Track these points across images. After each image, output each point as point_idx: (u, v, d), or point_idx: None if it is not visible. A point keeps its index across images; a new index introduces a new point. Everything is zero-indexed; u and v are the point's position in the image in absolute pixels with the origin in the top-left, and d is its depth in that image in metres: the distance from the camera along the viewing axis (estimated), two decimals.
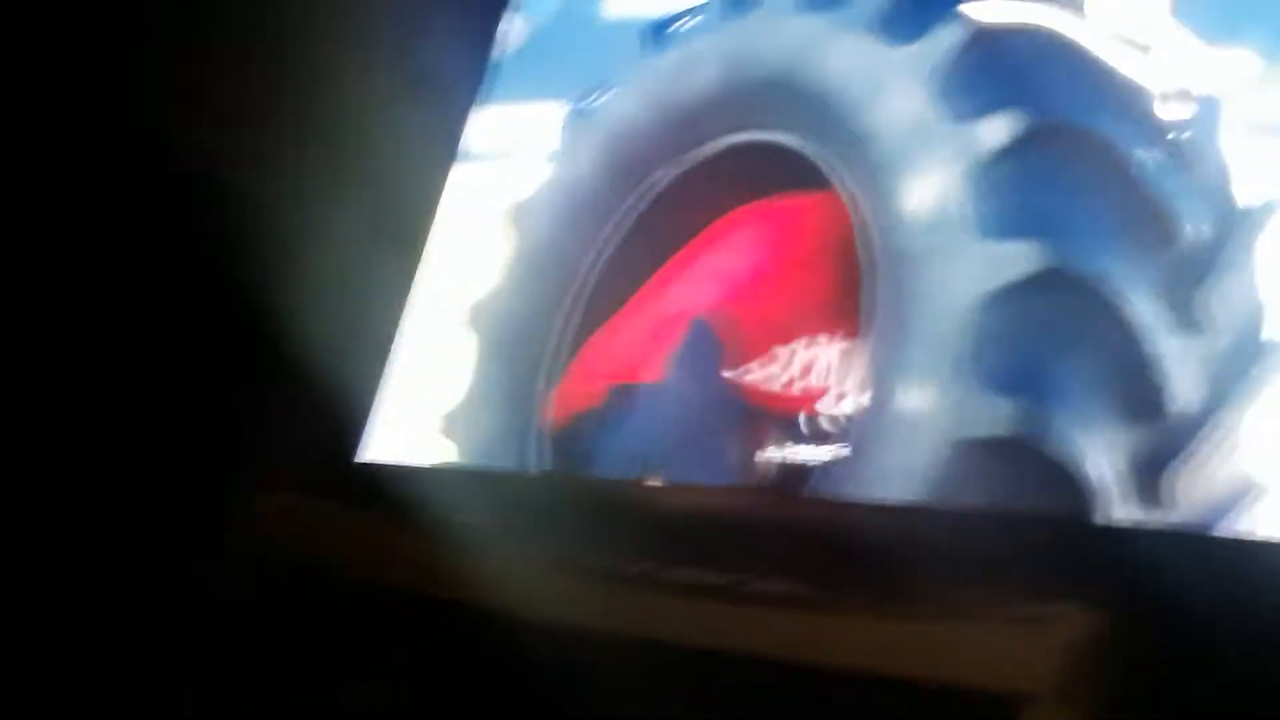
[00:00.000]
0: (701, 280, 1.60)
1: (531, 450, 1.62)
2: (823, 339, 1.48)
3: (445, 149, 1.82)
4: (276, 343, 1.70)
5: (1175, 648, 1.15)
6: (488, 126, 1.82)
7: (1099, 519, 1.26)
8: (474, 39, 1.84)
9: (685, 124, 1.63)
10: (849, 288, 1.46)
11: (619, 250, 1.65)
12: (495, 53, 1.84)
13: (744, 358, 1.52)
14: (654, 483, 1.53)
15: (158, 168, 1.77)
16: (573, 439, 1.61)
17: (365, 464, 1.74)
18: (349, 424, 1.76)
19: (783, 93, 1.56)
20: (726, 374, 1.52)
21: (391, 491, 1.61)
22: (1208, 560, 1.21)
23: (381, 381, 1.77)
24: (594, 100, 1.72)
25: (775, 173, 1.56)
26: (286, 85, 1.82)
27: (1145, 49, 1.40)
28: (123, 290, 1.75)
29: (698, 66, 1.64)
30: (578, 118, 1.73)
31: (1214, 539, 1.22)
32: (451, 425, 1.70)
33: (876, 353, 1.42)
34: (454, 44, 1.83)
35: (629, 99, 1.69)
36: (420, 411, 1.72)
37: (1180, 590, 1.17)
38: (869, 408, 1.41)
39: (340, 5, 1.81)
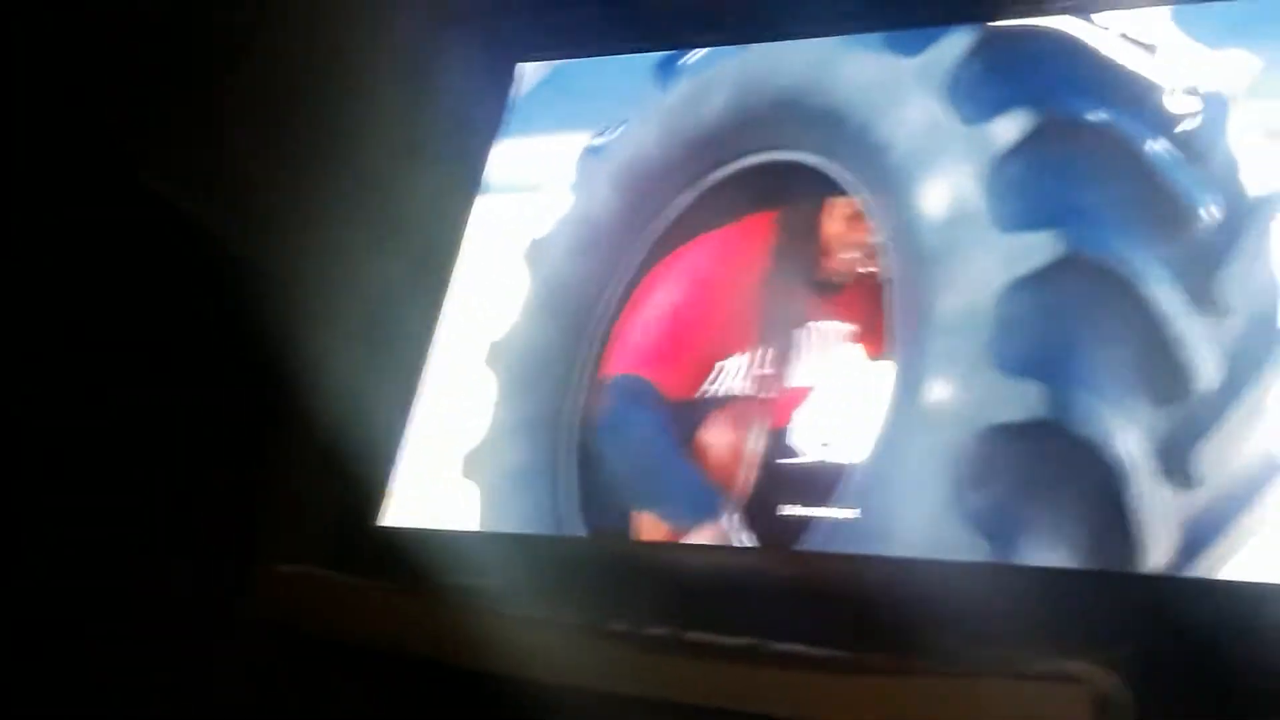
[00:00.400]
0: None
1: (561, 486, 1.61)
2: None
3: (467, 193, 1.84)
4: (297, 407, 1.71)
5: (1199, 698, 1.16)
6: (506, 165, 1.84)
7: (1124, 568, 1.27)
8: (492, 79, 1.87)
9: (700, 151, 1.66)
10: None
11: (637, 277, 1.67)
12: (513, 91, 1.86)
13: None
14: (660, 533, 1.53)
15: (178, 232, 1.78)
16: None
17: (385, 528, 1.72)
18: (370, 486, 1.74)
19: (795, 112, 1.60)
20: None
21: (411, 556, 1.60)
22: (1231, 607, 1.22)
23: (403, 439, 1.75)
24: (608, 136, 1.74)
25: (791, 190, 1.59)
26: (306, 146, 1.84)
27: (1151, 48, 1.44)
28: (142, 352, 1.75)
29: (709, 94, 1.68)
30: (591, 155, 1.75)
31: (1243, 585, 1.23)
32: (472, 466, 1.68)
33: (902, 348, 1.43)
34: (473, 86, 1.86)
35: (643, 132, 1.72)
36: (441, 467, 1.71)
37: (1206, 639, 1.19)
38: (893, 408, 1.42)
39: (358, 55, 1.84)
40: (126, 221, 1.77)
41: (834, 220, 1.56)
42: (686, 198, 1.66)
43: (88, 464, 1.68)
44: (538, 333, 1.72)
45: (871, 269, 1.50)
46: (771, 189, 1.61)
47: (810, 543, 1.42)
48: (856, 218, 1.54)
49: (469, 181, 1.83)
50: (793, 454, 1.49)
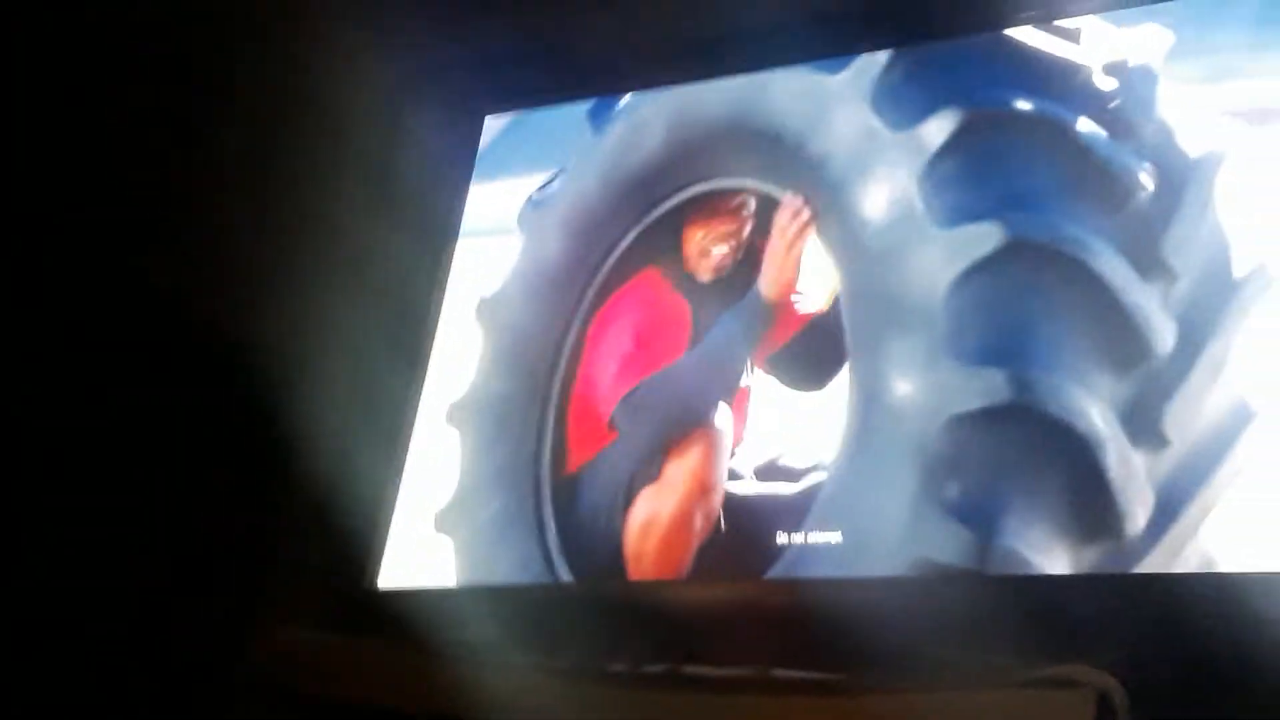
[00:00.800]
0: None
1: (535, 535, 1.61)
2: None
3: (442, 244, 1.84)
4: (289, 473, 1.70)
5: (1199, 695, 1.16)
6: (473, 215, 1.85)
7: (1112, 570, 1.28)
8: (461, 132, 1.89)
9: (640, 188, 1.68)
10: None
11: (589, 320, 1.68)
12: (480, 143, 1.88)
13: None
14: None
15: (161, 306, 1.78)
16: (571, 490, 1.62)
17: (379, 590, 1.70)
18: (362, 548, 1.73)
19: (731, 139, 1.63)
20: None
21: (405, 616, 1.59)
22: (1224, 602, 1.23)
23: (392, 498, 1.75)
24: (549, 185, 1.76)
25: (734, 213, 1.61)
26: (282, 211, 1.85)
27: (1070, 33, 1.47)
28: (132, 420, 1.74)
29: (644, 132, 1.71)
30: (534, 205, 1.77)
31: (1227, 577, 1.23)
32: (445, 522, 1.68)
33: (859, 353, 1.44)
34: (442, 140, 1.88)
35: (583, 176, 1.74)
36: (428, 525, 1.70)
37: (1201, 638, 1.19)
38: (856, 413, 1.42)
39: (331, 117, 1.85)
40: (109, 302, 1.77)
41: (693, 227, 1.61)
42: (632, 235, 1.67)
43: (89, 540, 1.67)
44: (498, 385, 1.72)
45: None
46: (712, 216, 1.63)
47: (793, 565, 1.42)
48: (713, 212, 1.60)
49: (442, 234, 1.84)
50: (762, 476, 1.49)
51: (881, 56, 1.57)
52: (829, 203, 1.52)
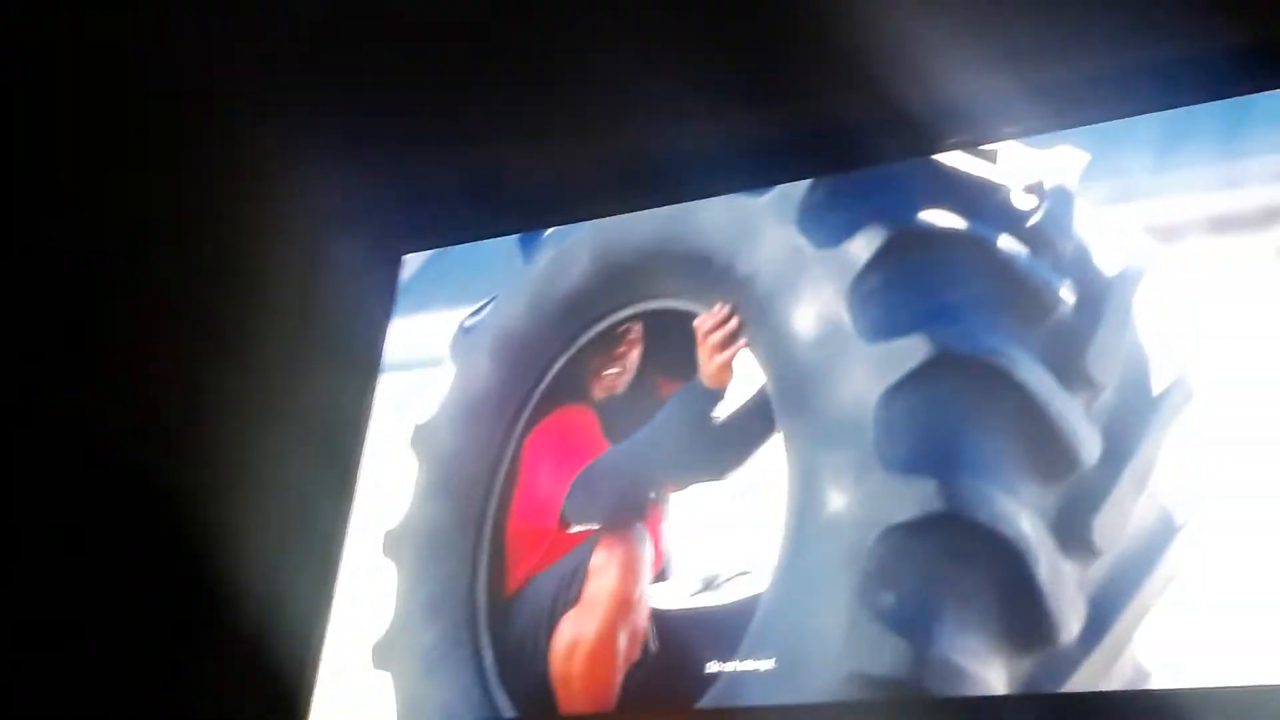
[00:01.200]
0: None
1: (472, 664, 1.59)
2: None
3: (365, 378, 1.84)
4: (218, 621, 1.68)
5: None
6: (397, 348, 1.85)
7: (1039, 646, 1.29)
8: (379, 270, 1.89)
9: (570, 314, 1.70)
10: None
11: (520, 446, 1.68)
12: (400, 279, 1.89)
13: None
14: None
15: (83, 445, 1.77)
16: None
17: None
18: (294, 688, 1.70)
19: (660, 261, 1.65)
20: None
21: None
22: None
23: (322, 638, 1.72)
24: (480, 314, 1.77)
25: (663, 336, 1.63)
26: (204, 352, 1.85)
27: (992, 153, 1.51)
28: (54, 563, 1.72)
29: (573, 258, 1.72)
30: (465, 333, 1.78)
31: (1160, 694, 1.24)
32: (381, 656, 1.66)
33: (792, 470, 1.45)
34: (361, 279, 1.89)
35: (513, 303, 1.75)
36: (360, 663, 1.67)
37: None
38: (794, 520, 1.43)
39: (252, 260, 1.86)
40: (32, 443, 1.75)
41: (593, 352, 1.65)
42: (562, 360, 1.68)
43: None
44: (432, 514, 1.71)
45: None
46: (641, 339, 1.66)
47: (725, 692, 1.42)
48: (610, 337, 1.64)
49: (365, 368, 1.84)
50: (690, 591, 1.50)
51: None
52: (759, 319, 1.54)
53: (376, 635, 1.67)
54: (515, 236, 1.80)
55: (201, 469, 1.75)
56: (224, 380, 1.83)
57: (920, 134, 1.56)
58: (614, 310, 1.67)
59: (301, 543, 1.76)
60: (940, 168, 1.54)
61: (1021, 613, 1.29)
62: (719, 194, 1.65)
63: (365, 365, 1.83)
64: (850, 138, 1.62)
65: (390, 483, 1.76)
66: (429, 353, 1.80)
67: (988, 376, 1.38)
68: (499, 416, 1.70)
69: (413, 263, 1.89)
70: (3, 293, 1.78)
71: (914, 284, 1.47)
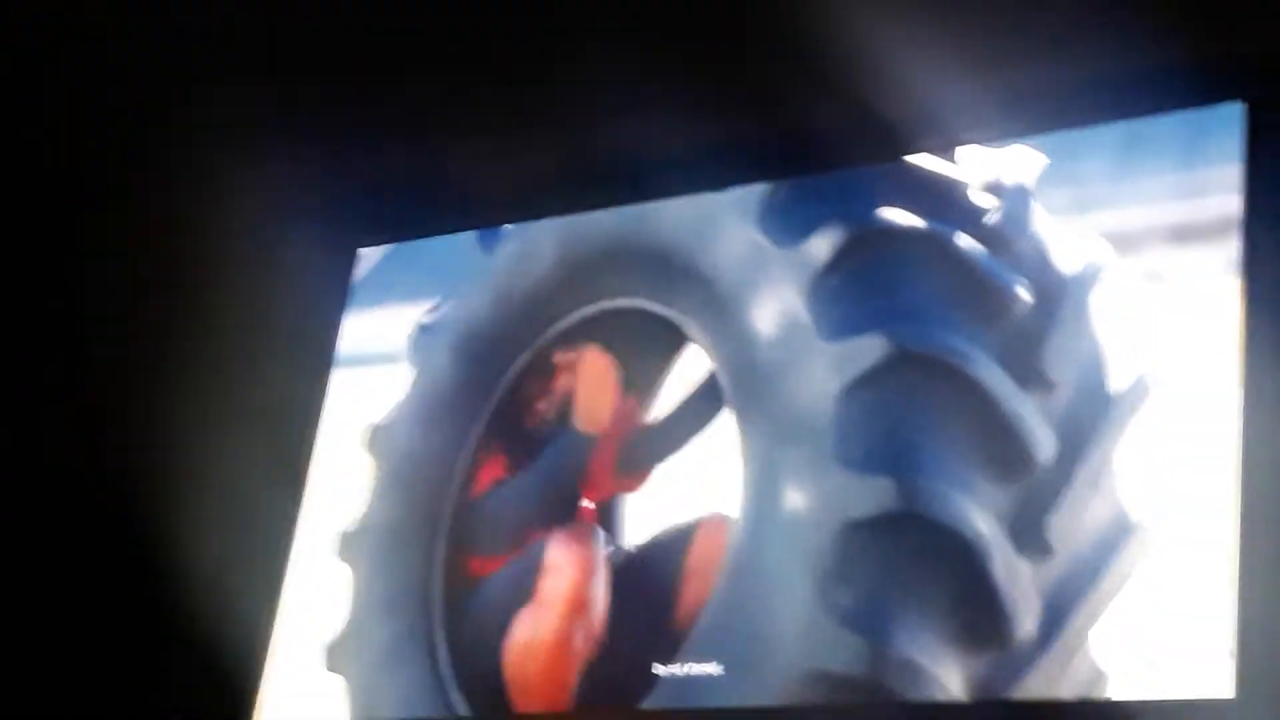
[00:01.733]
0: None
1: (427, 662, 1.58)
2: None
3: (319, 375, 1.83)
4: (166, 614, 1.67)
5: None
6: (352, 342, 1.84)
7: (995, 645, 1.29)
8: (335, 264, 1.88)
9: (533, 310, 1.69)
10: None
11: (485, 439, 1.67)
12: (355, 273, 1.87)
13: None
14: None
15: (31, 444, 1.76)
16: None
17: None
18: (243, 689, 1.69)
19: (622, 259, 1.64)
20: None
21: None
22: None
23: (270, 639, 1.71)
24: (440, 310, 1.75)
25: (626, 333, 1.62)
26: (159, 350, 1.84)
27: (951, 155, 1.51)
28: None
29: (536, 252, 1.71)
30: (426, 330, 1.76)
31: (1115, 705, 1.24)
32: (335, 658, 1.65)
33: (749, 467, 1.45)
34: (316, 272, 1.87)
35: (475, 297, 1.74)
36: (310, 664, 1.66)
37: None
38: (750, 519, 1.43)
39: (206, 253, 1.85)
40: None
41: (528, 382, 1.66)
42: (525, 359, 1.67)
43: None
44: (389, 513, 1.70)
45: None
46: (605, 336, 1.65)
47: (672, 693, 1.42)
48: (545, 370, 1.65)
49: (318, 364, 1.83)
50: (646, 592, 1.50)
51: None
52: (718, 318, 1.53)
53: (331, 634, 1.66)
54: (477, 235, 1.78)
55: (151, 464, 1.74)
56: (175, 375, 1.82)
57: (882, 140, 1.56)
58: (578, 306, 1.66)
59: (251, 538, 1.75)
60: (900, 167, 1.54)
61: (978, 611, 1.29)
62: (680, 195, 1.64)
63: (319, 361, 1.82)
64: (813, 141, 1.61)
65: (344, 480, 1.75)
66: (384, 348, 1.78)
67: (945, 375, 1.38)
68: (459, 414, 1.70)
69: (369, 257, 1.88)
70: None
71: (873, 283, 1.47)
